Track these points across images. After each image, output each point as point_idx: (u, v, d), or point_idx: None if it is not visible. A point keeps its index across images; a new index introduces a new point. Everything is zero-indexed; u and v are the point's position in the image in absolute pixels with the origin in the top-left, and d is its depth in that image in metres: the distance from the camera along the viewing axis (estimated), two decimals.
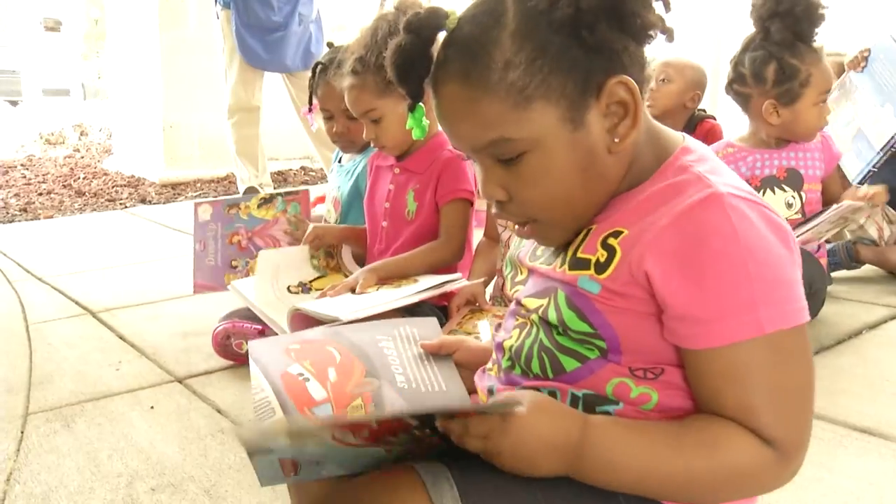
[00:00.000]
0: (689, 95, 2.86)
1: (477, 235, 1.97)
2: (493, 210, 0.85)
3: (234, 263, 2.15)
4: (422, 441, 0.81)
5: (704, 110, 3.04)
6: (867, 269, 2.68)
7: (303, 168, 5.74)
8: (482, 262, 1.91)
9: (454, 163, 1.81)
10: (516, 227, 0.86)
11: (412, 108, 0.89)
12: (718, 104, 4.59)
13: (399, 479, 0.77)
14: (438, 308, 1.79)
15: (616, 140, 0.79)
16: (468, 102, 0.77)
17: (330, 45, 2.24)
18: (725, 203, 0.73)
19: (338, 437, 0.75)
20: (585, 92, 0.76)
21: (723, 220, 0.72)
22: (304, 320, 1.59)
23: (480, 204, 2.28)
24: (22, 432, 1.62)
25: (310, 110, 2.20)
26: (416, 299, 1.65)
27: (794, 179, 2.12)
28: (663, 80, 2.83)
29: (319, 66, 2.10)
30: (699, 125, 2.90)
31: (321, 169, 4.89)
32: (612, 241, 0.78)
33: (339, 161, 2.27)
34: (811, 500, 1.30)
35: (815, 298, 2.07)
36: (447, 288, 1.74)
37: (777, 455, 0.72)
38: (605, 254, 0.78)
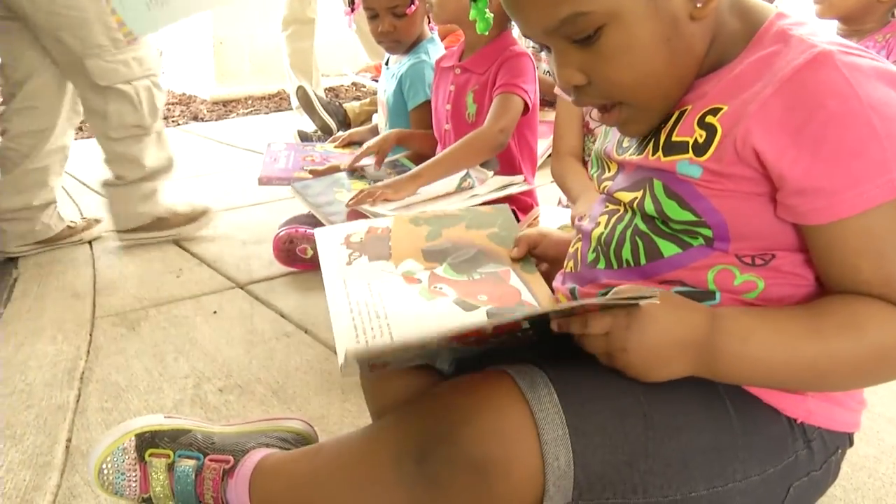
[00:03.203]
0: None
1: (541, 147, 1.87)
2: (573, 98, 0.77)
3: (304, 167, 2.08)
4: (520, 339, 0.76)
5: None
6: None
7: (354, 84, 5.63)
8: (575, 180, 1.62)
9: (514, 60, 1.69)
10: (601, 114, 0.78)
11: None
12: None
13: (493, 385, 0.72)
14: None
15: (699, 5, 0.71)
16: None
17: None
18: (837, 60, 0.65)
19: (443, 344, 0.70)
20: None
21: (837, 78, 0.64)
22: (360, 217, 1.54)
23: (545, 115, 2.17)
24: (90, 335, 1.62)
25: (352, 10, 2.10)
26: (477, 201, 1.59)
27: None
28: None
29: None
30: None
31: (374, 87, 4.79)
32: (710, 118, 0.71)
33: (387, 63, 2.18)
34: None
35: None
36: (509, 191, 1.66)
37: None
38: (704, 133, 0.71)
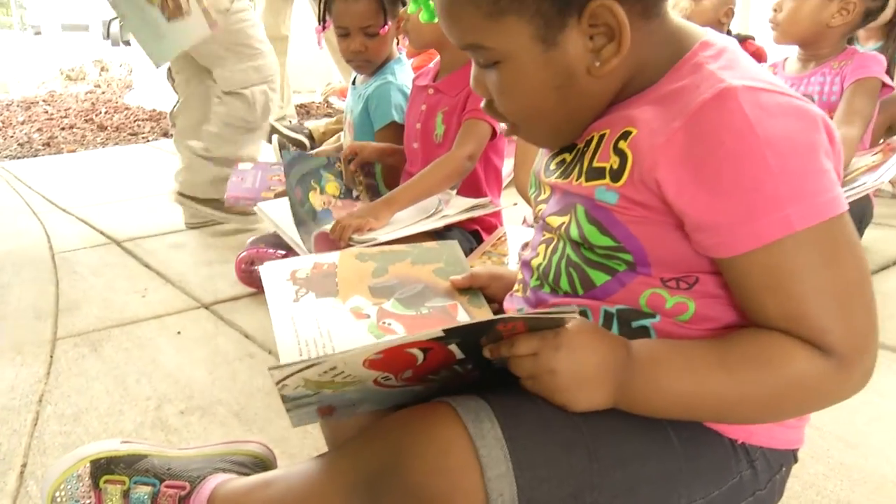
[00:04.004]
0: (722, 10, 2.73)
1: (507, 167, 1.89)
2: (482, 106, 0.84)
3: (271, 186, 2.09)
4: (462, 376, 0.76)
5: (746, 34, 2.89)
6: None
7: (326, 101, 5.64)
8: None
9: None
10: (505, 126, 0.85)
11: None
12: (749, 26, 4.40)
13: (437, 418, 0.71)
14: (469, 232, 1.74)
15: (597, 63, 0.73)
16: (450, 3, 0.76)
17: None
18: (739, 96, 0.66)
19: (380, 381, 0.71)
20: (563, 12, 0.71)
21: (735, 115, 0.65)
22: (328, 242, 1.55)
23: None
24: (51, 356, 1.60)
25: (323, 27, 2.10)
26: (442, 223, 1.60)
27: None
28: None
29: None
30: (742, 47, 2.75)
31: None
32: (622, 144, 0.72)
33: (354, 83, 2.19)
34: (861, 424, 1.25)
35: (860, 231, 1.99)
36: (476, 213, 1.68)
37: (836, 363, 0.66)
38: (618, 160, 0.73)
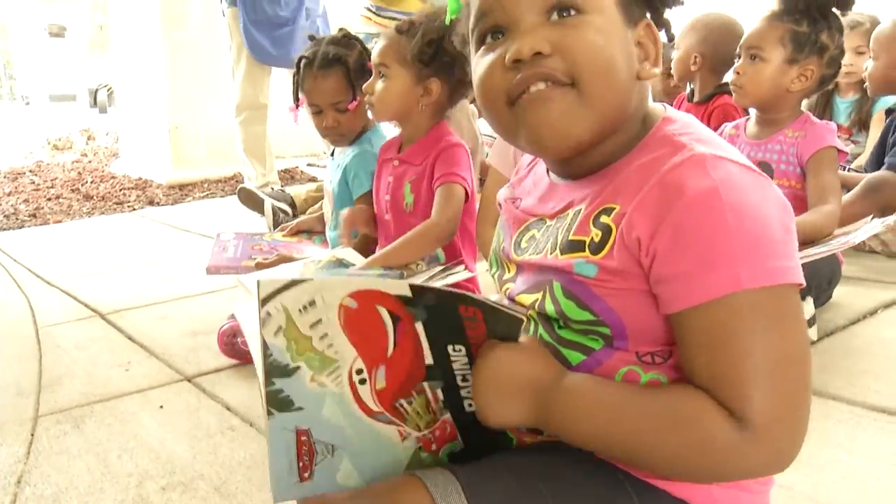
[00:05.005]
0: (690, 59, 2.76)
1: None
2: (521, 74, 0.76)
3: (253, 256, 2.12)
4: (435, 421, 0.78)
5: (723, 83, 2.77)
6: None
7: (310, 165, 5.73)
8: None
9: (449, 150, 1.77)
10: (540, 92, 0.76)
11: None
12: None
13: (406, 491, 0.74)
14: None
15: (647, 66, 0.80)
16: None
17: (311, 37, 2.22)
18: (707, 163, 0.71)
19: (357, 384, 0.74)
20: (630, 9, 0.79)
21: (703, 178, 0.70)
22: None
23: None
24: (32, 435, 1.61)
25: (297, 106, 2.18)
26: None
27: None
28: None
29: (304, 61, 2.08)
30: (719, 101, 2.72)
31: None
32: (605, 218, 0.76)
33: (332, 154, 2.25)
34: (830, 482, 1.27)
35: (830, 290, 2.04)
36: (451, 279, 1.71)
37: (748, 435, 0.66)
38: (600, 233, 0.76)
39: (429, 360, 0.75)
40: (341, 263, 2.00)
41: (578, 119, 0.76)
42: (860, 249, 2.64)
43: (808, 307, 1.82)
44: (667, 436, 0.69)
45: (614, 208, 0.75)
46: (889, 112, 2.82)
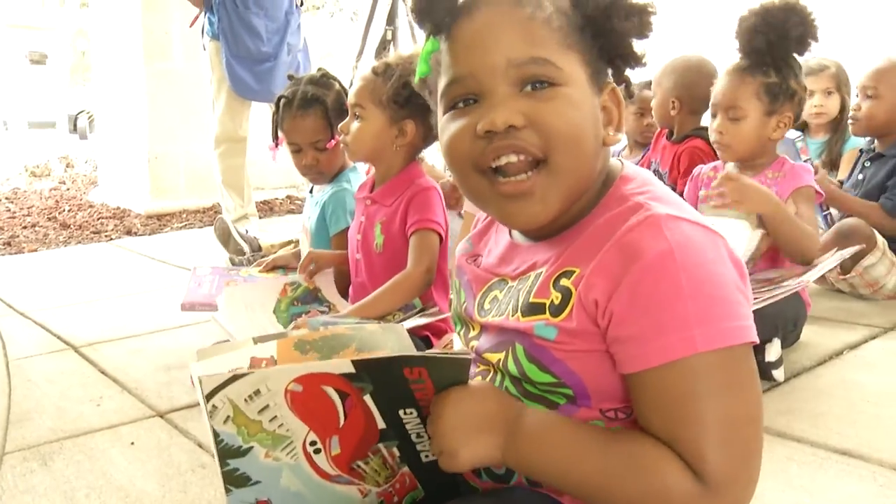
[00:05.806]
0: (670, 100, 2.84)
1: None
2: (493, 144, 0.78)
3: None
4: (394, 472, 0.79)
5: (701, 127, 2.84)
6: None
7: (289, 197, 5.74)
8: None
9: (422, 195, 1.80)
10: (512, 177, 0.78)
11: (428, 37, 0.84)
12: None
13: None
14: (420, 338, 1.79)
15: (611, 132, 0.83)
16: (523, 19, 0.78)
17: (290, 77, 2.25)
18: (662, 224, 0.73)
19: (311, 453, 0.74)
20: (597, 77, 0.81)
21: (658, 238, 0.72)
22: None
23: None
24: None
25: (276, 145, 2.21)
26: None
27: None
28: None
29: (283, 100, 2.12)
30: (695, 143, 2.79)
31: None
32: (564, 281, 0.77)
33: (311, 191, 2.28)
34: None
35: (797, 331, 2.08)
36: (424, 320, 1.73)
37: (705, 490, 0.68)
38: (560, 296, 0.77)
39: (381, 424, 0.75)
40: (317, 297, 2.02)
41: (550, 199, 0.79)
42: (829, 289, 2.69)
43: (775, 348, 1.86)
44: (626, 481, 0.71)
45: (574, 271, 0.77)
46: (870, 152, 2.80)
